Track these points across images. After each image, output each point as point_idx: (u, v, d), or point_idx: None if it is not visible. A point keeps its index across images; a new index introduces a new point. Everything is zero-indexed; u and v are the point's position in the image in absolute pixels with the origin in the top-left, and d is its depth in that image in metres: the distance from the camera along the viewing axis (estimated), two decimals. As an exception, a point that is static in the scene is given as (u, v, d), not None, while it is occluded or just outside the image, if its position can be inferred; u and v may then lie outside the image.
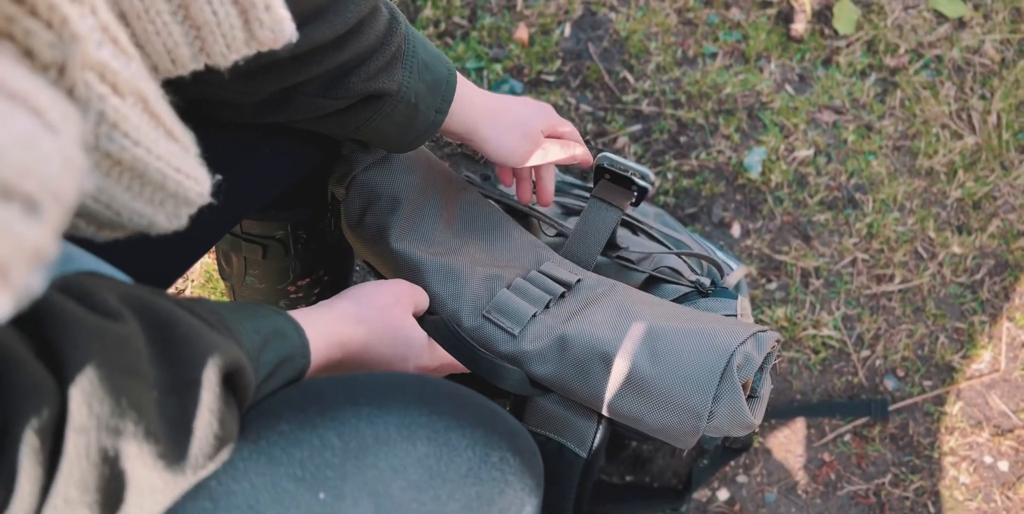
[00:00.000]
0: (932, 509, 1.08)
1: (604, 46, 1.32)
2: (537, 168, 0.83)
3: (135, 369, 0.41)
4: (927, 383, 1.14)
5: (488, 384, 0.76)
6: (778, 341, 0.73)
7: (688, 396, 0.70)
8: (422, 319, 0.76)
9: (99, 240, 0.46)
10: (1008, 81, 1.27)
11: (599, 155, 0.85)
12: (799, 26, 1.29)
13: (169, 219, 0.45)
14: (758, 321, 1.17)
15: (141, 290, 0.47)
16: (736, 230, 1.22)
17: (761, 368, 0.73)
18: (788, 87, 1.29)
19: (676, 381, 0.70)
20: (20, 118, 0.30)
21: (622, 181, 0.84)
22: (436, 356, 0.72)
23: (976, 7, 1.31)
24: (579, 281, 0.78)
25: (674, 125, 1.27)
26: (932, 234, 1.20)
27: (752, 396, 0.72)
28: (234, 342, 0.48)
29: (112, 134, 0.39)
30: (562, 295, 0.77)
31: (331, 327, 0.64)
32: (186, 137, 0.45)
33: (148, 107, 0.41)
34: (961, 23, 1.31)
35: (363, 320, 0.66)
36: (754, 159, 1.25)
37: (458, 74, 0.74)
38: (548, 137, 0.82)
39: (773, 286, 1.18)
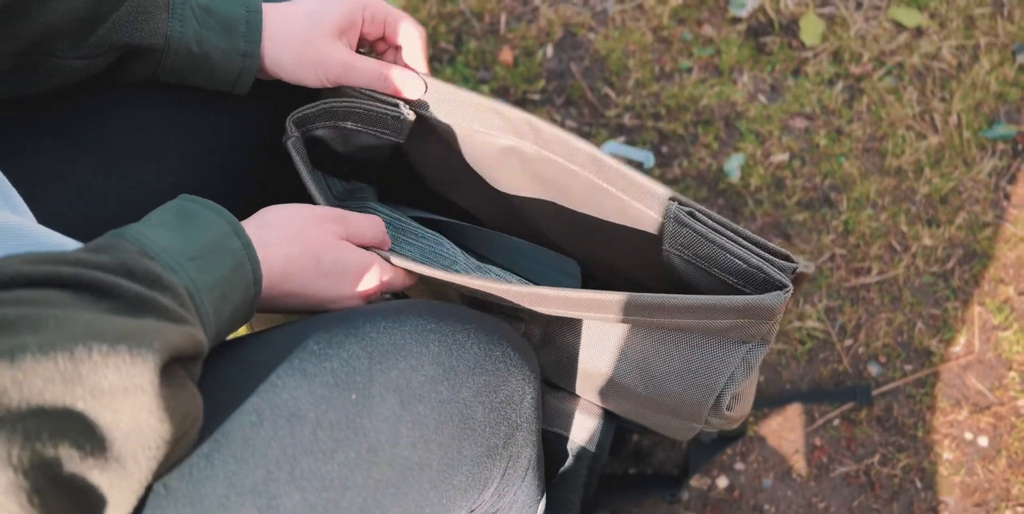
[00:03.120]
0: (919, 484, 1.13)
1: (585, 65, 1.39)
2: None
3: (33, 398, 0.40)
4: (908, 367, 1.19)
5: None
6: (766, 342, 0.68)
7: (682, 412, 0.73)
8: None
9: None
10: (965, 84, 1.34)
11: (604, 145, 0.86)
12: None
13: None
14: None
15: (55, 260, 0.45)
16: (720, 232, 1.28)
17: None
18: (761, 97, 1.35)
19: (671, 403, 0.73)
20: None
21: None
22: (372, 280, 0.66)
23: (932, 16, 1.39)
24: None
25: (656, 136, 1.34)
26: (904, 228, 1.26)
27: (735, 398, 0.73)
28: (170, 320, 0.47)
29: None
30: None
31: None
32: None
33: None
34: (919, 31, 1.38)
35: (269, 243, 0.60)
36: (733, 165, 1.31)
37: (265, 9, 0.68)
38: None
39: (758, 283, 1.24)
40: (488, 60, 1.39)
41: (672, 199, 0.64)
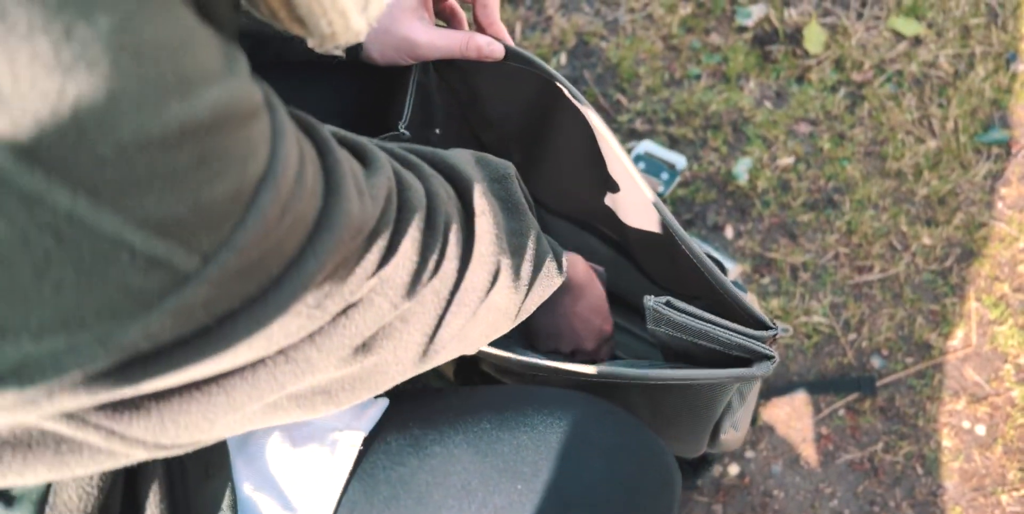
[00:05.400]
0: (920, 471, 1.19)
1: (598, 72, 1.44)
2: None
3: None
4: (909, 360, 1.24)
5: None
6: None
7: (686, 439, 0.78)
8: None
9: (323, 50, 0.46)
10: (962, 90, 1.38)
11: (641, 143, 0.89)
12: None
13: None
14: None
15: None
16: (729, 233, 1.32)
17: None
18: (767, 103, 1.39)
19: (674, 431, 0.77)
20: None
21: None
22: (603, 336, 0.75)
23: (929, 26, 1.43)
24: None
25: (667, 141, 1.38)
26: (904, 228, 1.30)
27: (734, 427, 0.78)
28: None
29: None
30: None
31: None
32: None
33: None
34: (917, 40, 1.42)
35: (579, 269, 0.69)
36: (741, 168, 1.35)
37: None
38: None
39: (766, 281, 1.29)
40: (505, 67, 1.44)
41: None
